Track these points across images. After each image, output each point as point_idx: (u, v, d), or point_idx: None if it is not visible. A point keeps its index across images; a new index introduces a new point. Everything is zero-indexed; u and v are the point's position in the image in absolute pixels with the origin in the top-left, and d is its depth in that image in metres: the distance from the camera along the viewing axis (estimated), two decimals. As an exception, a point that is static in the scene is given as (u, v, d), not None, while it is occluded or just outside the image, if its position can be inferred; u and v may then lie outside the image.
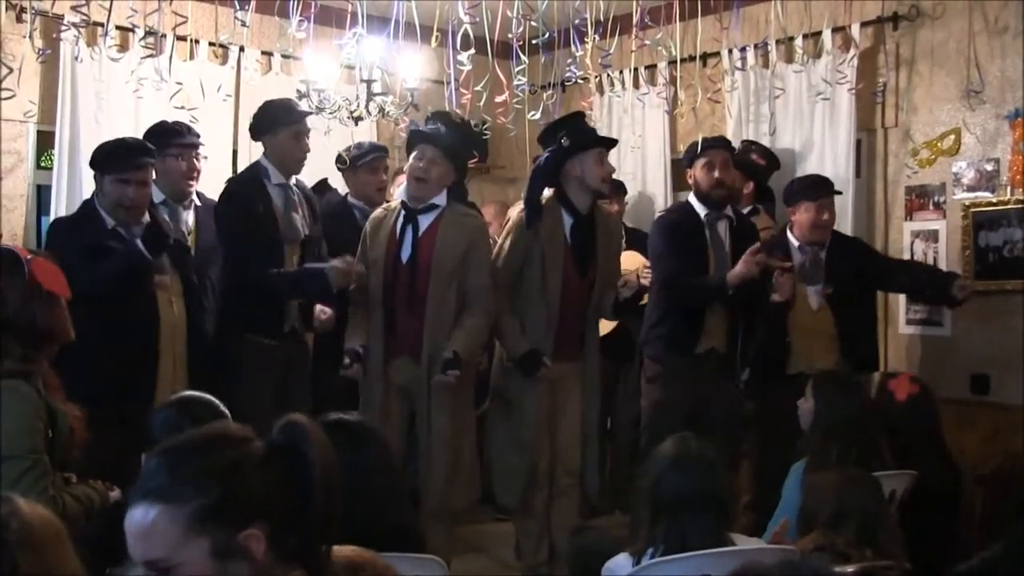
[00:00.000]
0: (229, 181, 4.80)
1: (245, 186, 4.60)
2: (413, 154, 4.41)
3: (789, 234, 4.96)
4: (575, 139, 4.52)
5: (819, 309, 4.84)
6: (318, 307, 4.67)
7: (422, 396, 4.33)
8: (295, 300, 4.53)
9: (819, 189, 4.89)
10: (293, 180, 4.64)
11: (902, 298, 5.32)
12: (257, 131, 4.67)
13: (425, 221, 4.39)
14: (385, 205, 4.68)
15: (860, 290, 4.91)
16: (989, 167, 5.01)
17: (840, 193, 5.04)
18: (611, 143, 4.76)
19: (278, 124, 4.57)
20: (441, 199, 4.41)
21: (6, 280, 2.69)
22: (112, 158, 4.11)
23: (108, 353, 3.86)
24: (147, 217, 4.16)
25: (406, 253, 4.37)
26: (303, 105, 4.59)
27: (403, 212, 4.41)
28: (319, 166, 5.33)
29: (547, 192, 4.58)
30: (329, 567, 1.62)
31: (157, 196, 4.46)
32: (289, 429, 1.61)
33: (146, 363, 4.04)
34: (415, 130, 4.50)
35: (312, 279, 4.31)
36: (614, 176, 5.92)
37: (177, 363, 4.16)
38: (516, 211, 4.83)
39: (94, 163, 4.17)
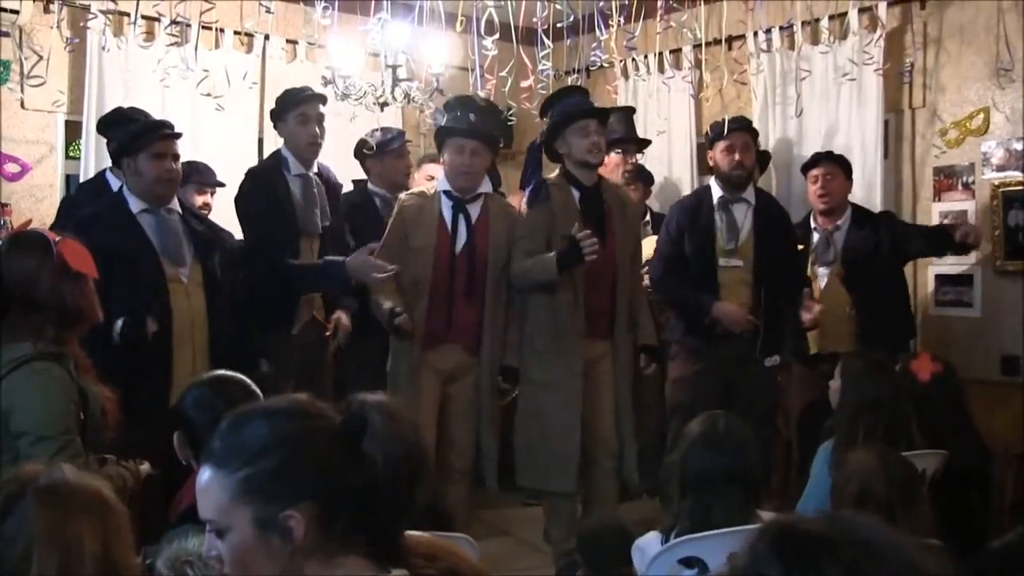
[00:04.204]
0: (250, 169, 4.77)
1: (266, 174, 4.61)
2: (450, 147, 4.43)
3: (812, 217, 5.05)
4: (555, 117, 4.54)
5: (830, 290, 4.89)
6: (337, 313, 4.66)
7: (469, 382, 4.51)
8: (314, 292, 4.54)
9: (816, 162, 5.02)
10: (315, 170, 4.62)
11: (932, 279, 5.28)
12: (274, 120, 4.70)
13: (474, 211, 4.49)
14: (417, 191, 4.65)
15: (881, 267, 4.87)
16: (1019, 146, 4.95)
17: (839, 161, 5.06)
18: (595, 114, 4.56)
19: (286, 110, 4.59)
20: (485, 185, 4.55)
21: (37, 262, 2.72)
22: (143, 135, 4.06)
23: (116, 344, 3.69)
24: (177, 203, 4.18)
25: (460, 242, 4.43)
26: (328, 92, 4.59)
27: (450, 201, 4.45)
28: (346, 154, 5.35)
29: (554, 172, 4.62)
30: (402, 552, 1.58)
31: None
32: (358, 409, 1.59)
33: (159, 354, 3.90)
34: (450, 126, 4.47)
35: (332, 271, 4.33)
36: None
37: (197, 353, 4.03)
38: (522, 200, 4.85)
39: (124, 148, 4.07)
